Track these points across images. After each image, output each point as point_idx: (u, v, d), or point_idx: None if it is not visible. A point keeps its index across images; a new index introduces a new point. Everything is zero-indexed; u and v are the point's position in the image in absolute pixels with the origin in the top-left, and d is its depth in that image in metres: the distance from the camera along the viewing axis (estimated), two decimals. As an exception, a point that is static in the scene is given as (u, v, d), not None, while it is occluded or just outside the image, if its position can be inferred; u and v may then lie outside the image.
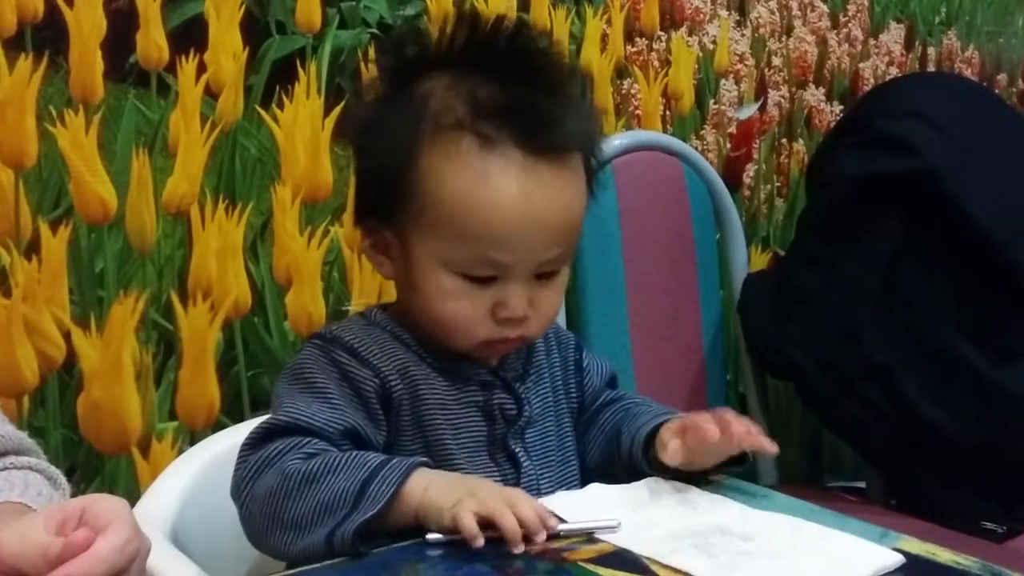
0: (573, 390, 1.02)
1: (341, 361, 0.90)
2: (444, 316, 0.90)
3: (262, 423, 0.88)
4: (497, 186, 0.87)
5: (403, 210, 0.90)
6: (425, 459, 0.85)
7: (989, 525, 1.62)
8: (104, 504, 0.69)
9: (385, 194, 0.91)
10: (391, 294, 0.98)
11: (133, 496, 1.04)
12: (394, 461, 0.83)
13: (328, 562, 0.82)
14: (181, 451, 1.33)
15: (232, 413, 1.51)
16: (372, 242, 0.94)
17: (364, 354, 0.91)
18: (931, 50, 2.45)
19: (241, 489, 0.86)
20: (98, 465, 1.42)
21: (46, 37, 1.37)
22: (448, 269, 0.89)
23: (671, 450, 0.90)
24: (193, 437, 1.46)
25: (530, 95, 0.89)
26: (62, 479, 0.88)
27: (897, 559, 0.81)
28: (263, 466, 0.84)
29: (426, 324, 0.92)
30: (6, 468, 0.85)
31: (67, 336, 1.39)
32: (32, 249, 1.37)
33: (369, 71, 0.94)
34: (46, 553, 0.66)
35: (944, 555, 0.82)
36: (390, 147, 0.90)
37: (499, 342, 0.92)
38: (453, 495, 0.80)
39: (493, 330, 0.90)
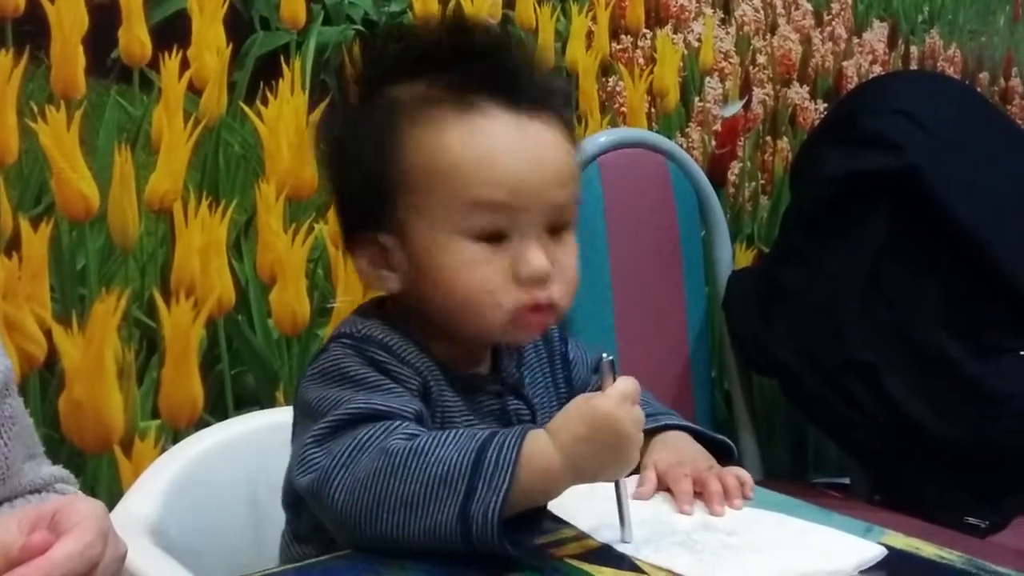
0: (562, 385, 1.01)
1: (380, 359, 0.87)
2: (469, 289, 0.87)
3: (325, 422, 0.82)
4: (489, 132, 0.87)
5: (398, 200, 0.88)
6: (531, 424, 0.81)
7: (973, 520, 1.62)
8: (77, 507, 0.67)
9: (375, 194, 0.89)
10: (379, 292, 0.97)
11: (115, 495, 1.03)
12: (504, 430, 0.79)
13: (314, 559, 0.81)
14: (164, 450, 1.32)
15: (216, 411, 1.50)
16: (370, 257, 0.90)
17: (400, 352, 0.88)
18: (914, 48, 2.46)
19: (332, 478, 0.79)
20: (80, 464, 1.41)
21: (27, 32, 1.36)
22: (461, 235, 0.86)
23: (643, 491, 0.90)
24: (176, 436, 1.45)
25: (499, 64, 0.90)
26: None
27: (879, 551, 0.81)
28: (356, 451, 0.79)
29: (450, 314, 0.88)
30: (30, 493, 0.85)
31: (48, 334, 1.38)
32: (13, 246, 1.36)
33: (356, 67, 0.93)
34: (7, 552, 0.64)
35: (928, 549, 0.83)
36: (370, 146, 0.89)
37: (529, 312, 0.88)
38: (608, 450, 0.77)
39: (519, 296, 0.87)
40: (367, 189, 0.89)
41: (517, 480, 0.75)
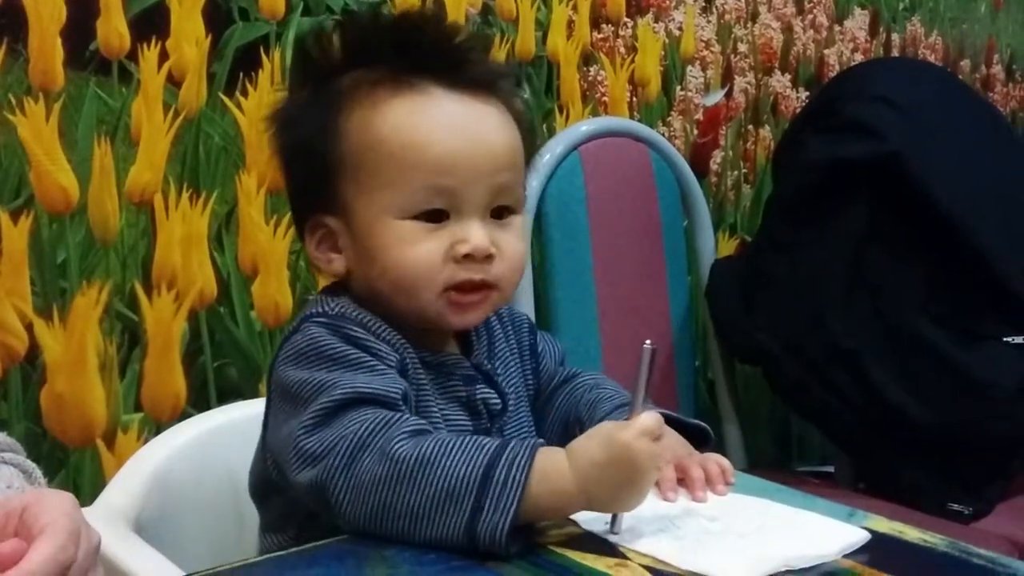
0: (530, 376, 1.01)
1: (357, 336, 0.85)
2: (405, 266, 0.86)
3: (313, 410, 0.81)
4: (428, 114, 0.87)
5: (340, 181, 0.88)
6: (542, 440, 0.80)
7: (956, 507, 1.63)
8: (46, 503, 0.65)
9: (320, 176, 0.89)
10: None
11: (98, 489, 1.03)
12: (513, 443, 0.77)
13: (295, 548, 0.81)
14: (147, 443, 1.32)
15: (198, 404, 1.50)
16: (318, 241, 0.91)
17: (375, 329, 0.87)
18: (895, 36, 2.46)
19: (335, 479, 0.78)
20: (63, 458, 1.40)
21: (4, 25, 1.35)
22: (400, 216, 0.86)
23: None
24: (159, 429, 1.44)
25: (442, 47, 0.90)
26: (38, 473, 0.86)
27: (863, 536, 0.81)
28: (356, 449, 0.78)
29: (388, 293, 0.88)
30: None
31: (29, 328, 1.37)
32: (-8, 240, 1.35)
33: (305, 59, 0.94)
34: None
35: (912, 533, 0.83)
36: (314, 130, 0.89)
37: (461, 292, 0.87)
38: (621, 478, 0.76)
39: (454, 272, 0.87)
40: (312, 172, 0.90)
41: (527, 497, 0.75)
